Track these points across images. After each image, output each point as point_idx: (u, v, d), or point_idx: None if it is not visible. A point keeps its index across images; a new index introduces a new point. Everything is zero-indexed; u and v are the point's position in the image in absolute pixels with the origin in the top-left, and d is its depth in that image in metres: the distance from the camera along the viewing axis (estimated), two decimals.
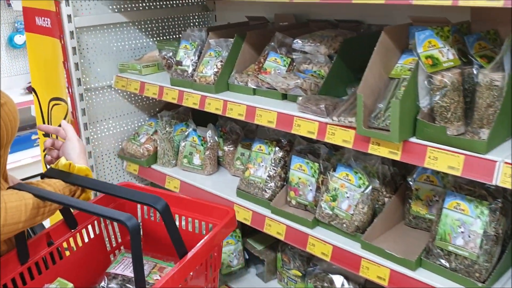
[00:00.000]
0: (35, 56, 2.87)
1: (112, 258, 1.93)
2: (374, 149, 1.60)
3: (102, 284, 1.74)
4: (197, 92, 2.22)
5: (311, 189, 2.02)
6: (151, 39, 2.85)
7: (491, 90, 1.41)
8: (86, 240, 1.84)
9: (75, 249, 1.78)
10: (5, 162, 1.51)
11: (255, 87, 2.10)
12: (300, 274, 2.30)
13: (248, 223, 2.16)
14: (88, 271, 1.84)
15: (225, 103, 2.09)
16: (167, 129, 2.61)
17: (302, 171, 2.04)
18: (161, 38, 2.89)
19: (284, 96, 2.02)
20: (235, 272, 2.56)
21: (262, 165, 2.18)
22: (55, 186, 1.49)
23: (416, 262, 1.64)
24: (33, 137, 4.83)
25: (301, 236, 1.94)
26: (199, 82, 2.23)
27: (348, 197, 1.84)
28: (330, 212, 1.89)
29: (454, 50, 1.54)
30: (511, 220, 1.57)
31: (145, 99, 2.90)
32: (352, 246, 1.81)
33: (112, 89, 2.71)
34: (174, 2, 2.89)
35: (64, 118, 2.65)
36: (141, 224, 1.95)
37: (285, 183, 2.15)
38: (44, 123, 2.86)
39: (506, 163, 1.33)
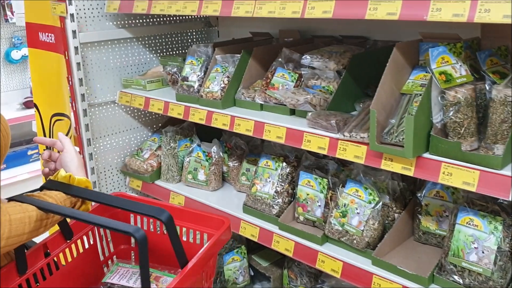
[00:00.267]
0: (37, 71, 2.86)
1: (105, 269, 1.92)
2: (387, 165, 1.59)
3: None
4: (204, 107, 2.22)
5: (319, 205, 2.01)
6: (155, 55, 2.85)
7: (505, 106, 1.42)
8: (81, 250, 1.83)
9: (70, 259, 1.78)
10: None
11: (262, 103, 2.10)
12: None
13: (255, 239, 2.14)
14: (84, 281, 1.83)
15: (232, 118, 2.09)
16: (172, 144, 2.59)
17: (310, 186, 2.03)
18: (164, 53, 2.89)
19: (292, 112, 2.01)
20: None
21: (269, 181, 2.17)
22: (56, 198, 1.51)
23: (429, 278, 1.63)
24: (30, 152, 4.78)
25: (310, 252, 1.93)
26: (205, 98, 2.23)
27: (358, 213, 1.83)
28: (340, 228, 1.88)
29: (467, 66, 1.55)
30: None
31: (148, 115, 2.88)
32: (363, 263, 1.80)
33: (115, 104, 2.70)
34: (178, 18, 2.89)
35: (67, 134, 2.64)
36: None
37: (292, 199, 2.14)
38: None
39: None
